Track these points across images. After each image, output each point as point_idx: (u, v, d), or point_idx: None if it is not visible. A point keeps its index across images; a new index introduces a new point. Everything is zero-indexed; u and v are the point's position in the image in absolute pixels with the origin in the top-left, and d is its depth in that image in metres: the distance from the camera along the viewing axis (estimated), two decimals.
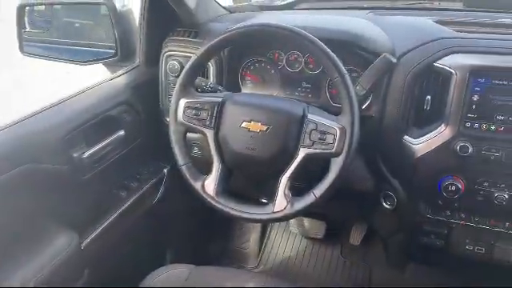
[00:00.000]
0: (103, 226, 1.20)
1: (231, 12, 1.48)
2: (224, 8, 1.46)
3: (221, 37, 1.01)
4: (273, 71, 1.28)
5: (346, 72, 0.95)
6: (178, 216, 1.60)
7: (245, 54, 1.29)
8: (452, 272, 1.27)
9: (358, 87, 1.01)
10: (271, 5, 1.61)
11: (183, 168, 1.04)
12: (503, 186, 1.03)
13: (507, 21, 1.23)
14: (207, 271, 1.06)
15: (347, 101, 0.94)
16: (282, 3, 1.60)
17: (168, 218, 1.54)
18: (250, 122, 0.99)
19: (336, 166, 0.94)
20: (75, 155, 1.11)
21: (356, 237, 1.74)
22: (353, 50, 1.14)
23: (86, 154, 1.12)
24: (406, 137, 1.11)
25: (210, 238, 1.86)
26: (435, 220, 1.13)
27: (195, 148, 1.32)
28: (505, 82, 0.99)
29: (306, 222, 1.80)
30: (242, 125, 0.99)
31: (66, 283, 1.07)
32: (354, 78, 1.03)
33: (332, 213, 1.59)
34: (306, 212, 0.97)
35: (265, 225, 1.90)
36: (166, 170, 1.44)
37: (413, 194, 1.14)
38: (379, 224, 1.32)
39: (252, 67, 1.30)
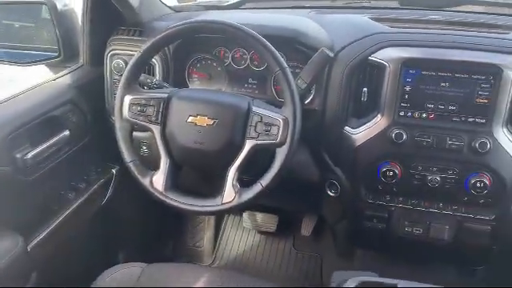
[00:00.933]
0: (51, 228, 1.17)
1: (176, 11, 1.49)
2: (169, 7, 1.47)
3: (164, 33, 1.03)
4: (219, 68, 1.30)
5: (286, 65, 0.99)
6: (129, 216, 1.59)
7: (191, 51, 1.30)
8: (397, 255, 1.34)
9: (299, 81, 1.06)
10: (217, 5, 1.64)
11: (130, 165, 1.05)
12: (435, 169, 1.11)
13: (437, 17, 1.33)
14: (160, 268, 1.06)
15: (289, 93, 0.98)
16: (228, 3, 1.63)
17: (118, 218, 1.53)
18: (196, 116, 1.01)
19: (280, 155, 0.98)
20: (18, 156, 1.08)
21: (307, 228, 1.79)
22: (294, 46, 1.19)
23: (30, 155, 1.10)
24: (346, 127, 1.17)
25: (162, 237, 1.86)
26: (376, 205, 1.20)
27: (143, 147, 1.32)
28: (433, 73, 1.08)
29: (259, 216, 1.83)
30: (189, 119, 1.01)
31: (13, 286, 1.04)
32: (297, 74, 1.07)
33: (283, 205, 1.64)
34: (255, 202, 1.00)
35: (219, 222, 1.92)
36: (114, 170, 1.43)
37: (354, 181, 1.20)
38: (326, 212, 1.38)
39: (198, 65, 1.32)
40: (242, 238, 1.89)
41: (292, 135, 0.97)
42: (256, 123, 0.99)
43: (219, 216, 1.92)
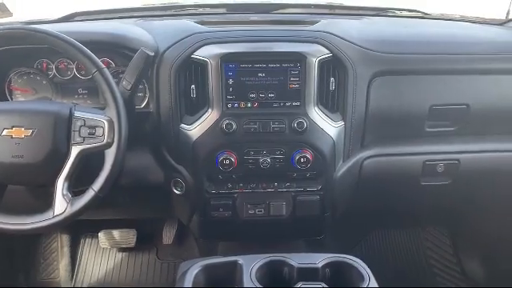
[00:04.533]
0: None
1: None
2: None
3: None
4: (44, 82, 1.25)
5: (103, 66, 0.99)
6: None
7: (9, 67, 1.22)
8: (249, 239, 1.41)
9: (124, 82, 1.07)
10: (43, 20, 1.55)
11: None
12: (265, 152, 1.21)
13: (256, 18, 1.46)
14: None
15: (109, 93, 0.98)
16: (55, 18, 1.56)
17: None
18: (11, 128, 0.95)
19: (110, 157, 0.97)
20: None
21: (168, 236, 1.79)
22: (120, 51, 1.20)
23: None
24: (182, 125, 1.21)
25: (12, 276, 1.68)
26: (220, 194, 1.26)
27: None
28: (249, 65, 1.18)
29: (116, 233, 1.77)
30: (3, 133, 0.95)
31: None
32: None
33: (136, 216, 1.61)
34: (90, 209, 0.98)
35: (74, 248, 1.81)
36: None
37: (197, 175, 1.24)
38: (177, 212, 1.40)
39: (20, 80, 1.24)
40: (101, 259, 1.81)
41: (119, 135, 0.97)
42: (79, 128, 0.97)
43: (74, 242, 1.82)
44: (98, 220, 1.62)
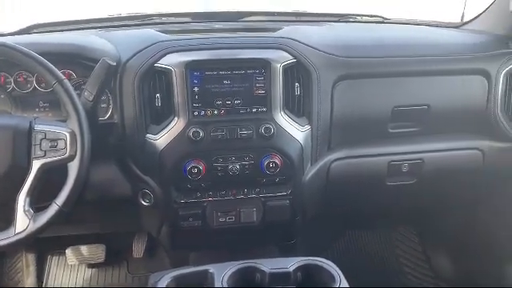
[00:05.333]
0: None
1: None
2: None
3: None
4: (2, 96, 1.21)
5: (63, 77, 0.97)
6: None
7: None
8: (220, 247, 1.40)
9: (86, 93, 1.05)
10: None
11: None
12: (234, 158, 1.21)
13: (221, 26, 1.46)
14: None
15: (71, 105, 0.96)
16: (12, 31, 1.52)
17: None
18: None
19: (73, 170, 0.95)
20: None
21: (139, 249, 1.75)
22: (81, 61, 1.18)
23: None
24: (147, 135, 1.19)
25: None
26: (189, 203, 1.24)
27: None
28: (214, 72, 1.18)
29: (84, 249, 1.72)
30: None
31: None
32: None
33: (104, 230, 1.57)
34: (53, 224, 0.95)
35: (40, 267, 1.75)
36: None
37: (165, 186, 1.23)
38: (146, 224, 1.37)
39: None
40: (70, 277, 1.75)
41: (82, 147, 0.95)
42: (40, 141, 0.94)
43: (40, 260, 1.75)
44: (65, 236, 1.57)
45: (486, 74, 1.32)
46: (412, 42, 1.38)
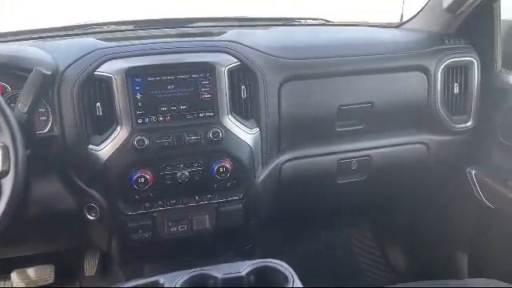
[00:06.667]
0: None
1: None
2: None
3: None
4: None
5: None
6: None
7: None
8: (173, 257, 1.36)
9: (20, 105, 0.99)
10: None
11: None
12: (182, 165, 1.19)
13: (161, 32, 1.44)
14: None
15: (2, 117, 0.91)
16: None
17: None
18: None
19: (7, 186, 0.89)
20: None
21: (91, 266, 1.68)
22: (13, 72, 1.12)
23: None
24: (90, 146, 1.15)
25: None
26: (137, 215, 1.20)
27: None
28: (157, 78, 1.15)
29: (31, 271, 1.63)
30: None
31: None
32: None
33: (53, 249, 1.50)
34: None
35: None
36: None
37: (111, 198, 1.18)
38: (94, 239, 1.32)
39: None
40: None
41: (15, 162, 0.89)
42: None
43: None
44: (8, 259, 1.48)
45: (425, 70, 1.37)
46: (353, 42, 1.41)
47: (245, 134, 1.23)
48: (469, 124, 1.42)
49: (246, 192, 1.27)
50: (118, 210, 1.19)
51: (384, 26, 1.66)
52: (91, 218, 1.21)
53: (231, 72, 1.19)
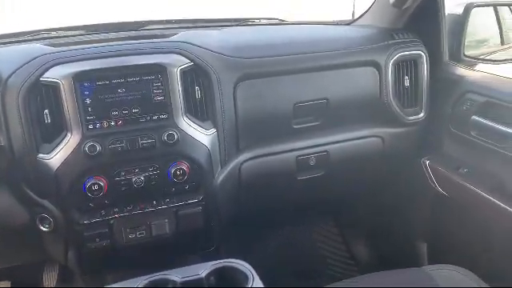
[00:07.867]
0: None
1: None
2: None
3: None
4: None
5: None
6: None
7: None
8: (135, 265, 1.33)
9: None
10: None
11: None
12: (137, 170, 1.16)
13: (112, 36, 1.40)
14: None
15: None
16: None
17: None
18: None
19: None
20: None
21: (50, 279, 1.62)
22: None
23: None
24: (39, 155, 1.11)
25: None
26: (93, 223, 1.17)
27: None
28: (107, 82, 1.12)
29: None
30: None
31: None
32: None
33: (8, 264, 1.43)
34: None
35: None
36: None
37: (64, 208, 1.15)
38: (49, 251, 1.27)
39: None
40: None
41: None
42: None
43: None
44: None
45: (376, 65, 1.40)
46: (306, 39, 1.42)
47: (201, 135, 1.21)
48: (420, 116, 1.46)
49: (205, 194, 1.26)
50: (72, 220, 1.15)
51: (336, 24, 1.69)
52: (44, 229, 1.17)
53: (184, 73, 1.18)
